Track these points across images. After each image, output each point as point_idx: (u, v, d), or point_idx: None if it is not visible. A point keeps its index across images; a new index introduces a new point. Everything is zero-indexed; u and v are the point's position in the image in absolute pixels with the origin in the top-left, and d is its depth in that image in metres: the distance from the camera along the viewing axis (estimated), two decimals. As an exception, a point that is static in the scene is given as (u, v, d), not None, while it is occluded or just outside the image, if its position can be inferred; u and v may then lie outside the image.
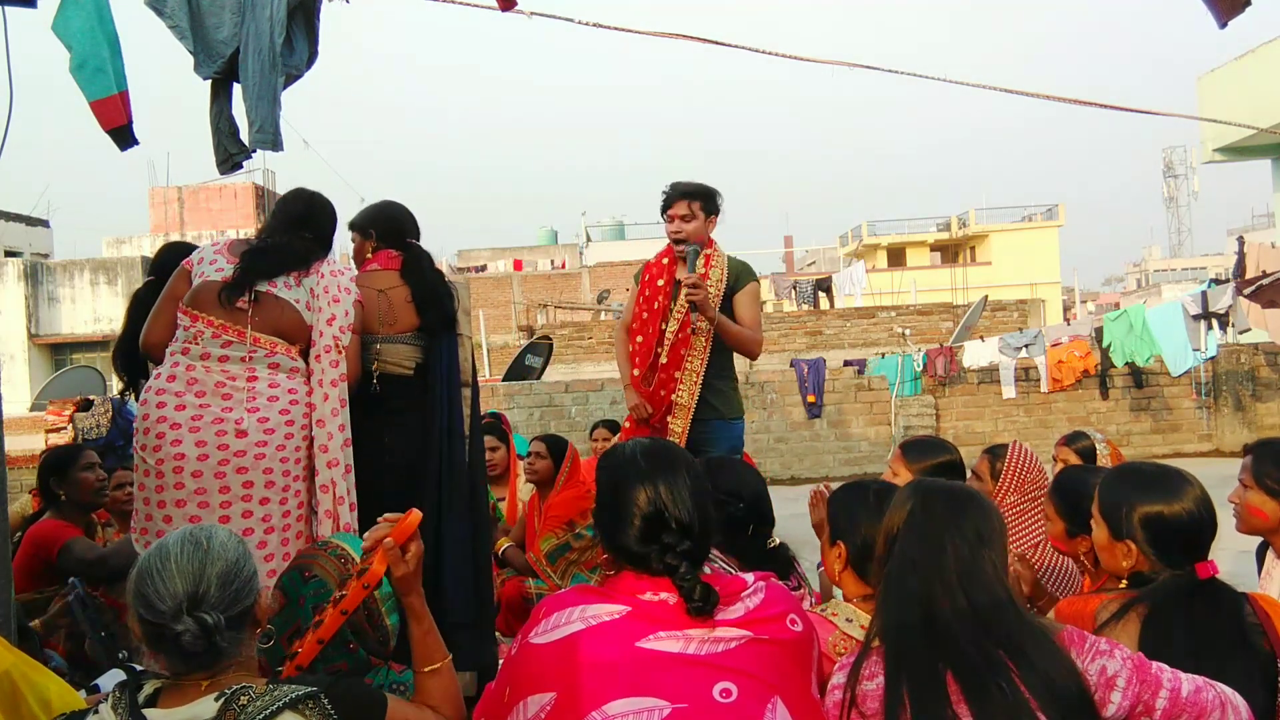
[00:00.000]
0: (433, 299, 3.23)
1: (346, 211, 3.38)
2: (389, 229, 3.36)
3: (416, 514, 1.84)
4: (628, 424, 4.04)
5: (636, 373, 3.90)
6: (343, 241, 3.39)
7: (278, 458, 2.75)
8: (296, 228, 2.99)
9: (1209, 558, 1.97)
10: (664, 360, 3.81)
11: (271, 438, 2.73)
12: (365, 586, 1.84)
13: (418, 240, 3.39)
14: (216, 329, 2.74)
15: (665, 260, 3.97)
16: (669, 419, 3.80)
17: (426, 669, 1.82)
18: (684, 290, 3.74)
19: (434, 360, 3.24)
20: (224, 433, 2.68)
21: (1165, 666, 1.61)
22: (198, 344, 2.75)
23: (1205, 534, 1.97)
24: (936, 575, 1.62)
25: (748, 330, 3.81)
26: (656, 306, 3.89)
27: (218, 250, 2.89)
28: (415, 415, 3.20)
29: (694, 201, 3.83)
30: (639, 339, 3.93)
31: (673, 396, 3.78)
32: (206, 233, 24.12)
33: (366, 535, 1.87)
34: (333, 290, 2.90)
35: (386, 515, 1.86)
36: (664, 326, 3.84)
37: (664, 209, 3.92)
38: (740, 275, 3.89)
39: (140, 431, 2.74)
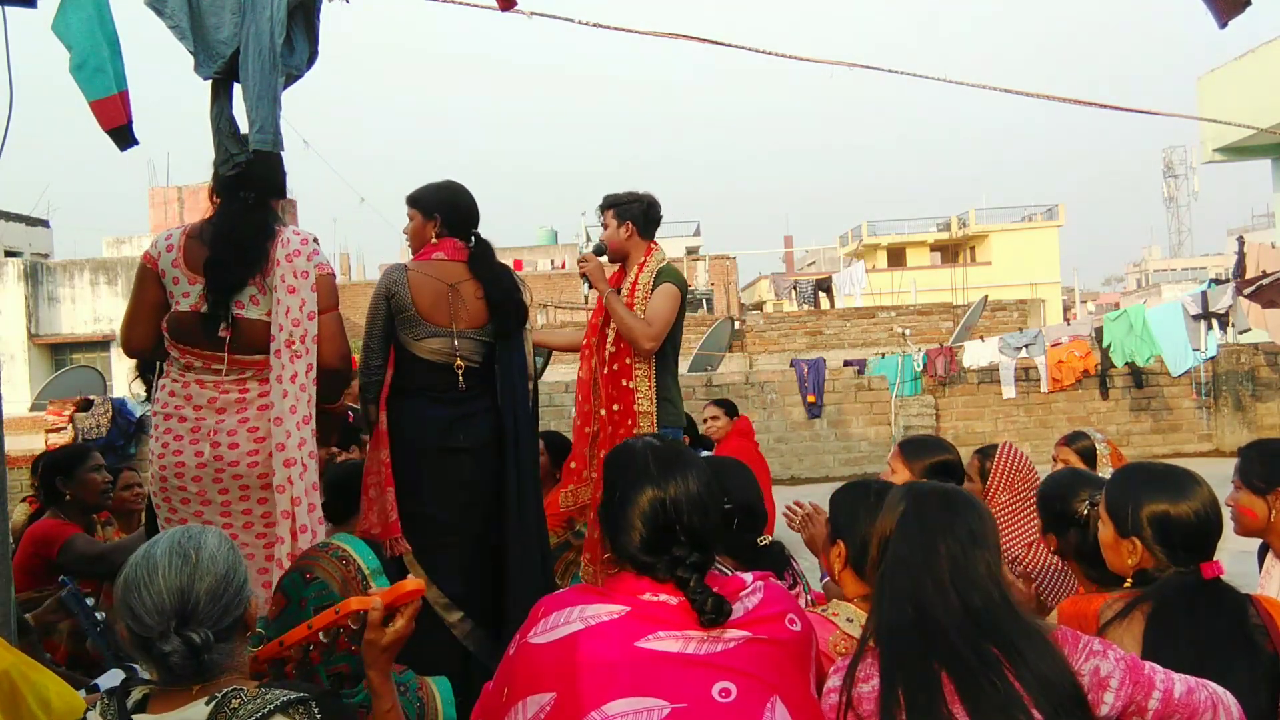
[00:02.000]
0: (508, 297, 3.31)
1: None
2: (458, 219, 3.38)
3: (419, 586, 1.76)
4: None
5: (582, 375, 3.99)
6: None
7: (278, 460, 2.79)
8: (236, 188, 2.91)
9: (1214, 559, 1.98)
10: (613, 369, 3.84)
11: (264, 445, 2.81)
12: (336, 612, 1.78)
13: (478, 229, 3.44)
14: (205, 358, 2.83)
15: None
16: (635, 431, 3.81)
17: None
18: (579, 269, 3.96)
19: (504, 356, 3.31)
20: (218, 444, 2.80)
21: (1158, 667, 1.61)
22: (192, 370, 2.86)
23: (1211, 534, 1.97)
24: (929, 575, 1.62)
25: (638, 319, 3.79)
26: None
27: (175, 261, 2.83)
28: (482, 407, 3.28)
29: (607, 210, 3.99)
30: (593, 339, 4.00)
31: (634, 406, 3.79)
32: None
33: (392, 589, 1.84)
34: (289, 279, 2.83)
35: (410, 579, 1.80)
36: (608, 332, 3.92)
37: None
38: (660, 274, 3.92)
39: (151, 440, 2.92)
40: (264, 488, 2.81)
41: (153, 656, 1.53)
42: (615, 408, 3.80)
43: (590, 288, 3.94)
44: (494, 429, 3.27)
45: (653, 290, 3.85)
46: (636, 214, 3.94)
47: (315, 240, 2.96)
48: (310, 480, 2.80)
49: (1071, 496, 2.35)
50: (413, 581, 1.78)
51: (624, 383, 3.80)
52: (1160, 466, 2.10)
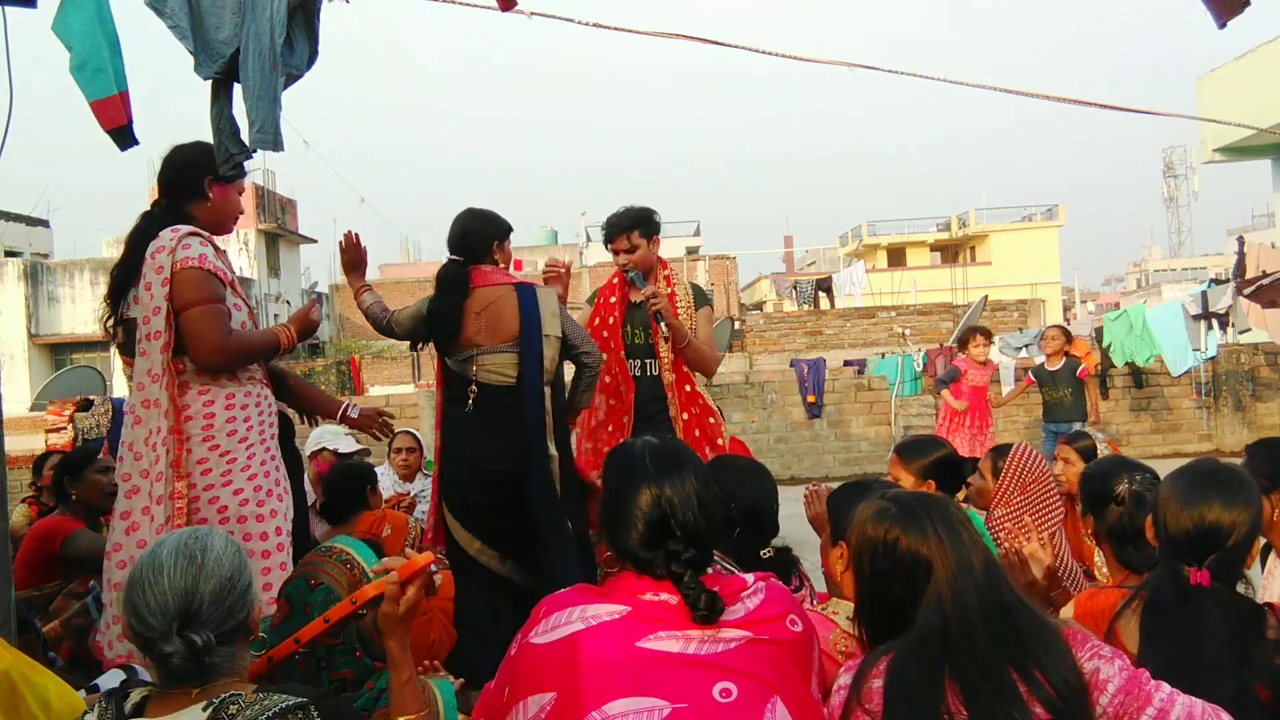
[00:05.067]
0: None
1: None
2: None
3: (428, 557, 1.82)
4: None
5: (607, 378, 4.00)
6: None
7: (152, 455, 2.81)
8: (154, 202, 3.04)
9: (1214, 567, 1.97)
10: (684, 391, 3.96)
11: (151, 437, 2.81)
12: (353, 602, 1.81)
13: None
14: (128, 363, 2.91)
15: (615, 281, 4.15)
16: (722, 444, 3.98)
17: (400, 719, 1.75)
18: (648, 306, 3.90)
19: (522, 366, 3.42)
20: (134, 443, 2.83)
21: (1164, 685, 1.60)
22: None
23: (1198, 546, 1.95)
24: (939, 575, 1.61)
25: (714, 350, 4.03)
26: (612, 321, 4.03)
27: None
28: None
29: (631, 232, 3.98)
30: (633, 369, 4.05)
31: (708, 419, 3.97)
32: (206, 233, 24.09)
33: (382, 563, 1.86)
34: (148, 275, 2.82)
35: (407, 550, 1.86)
36: (626, 340, 4.00)
37: (606, 244, 4.10)
38: (699, 297, 4.08)
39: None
40: (156, 478, 2.78)
41: (154, 656, 1.52)
42: (696, 433, 3.92)
43: (665, 325, 3.89)
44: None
45: (695, 310, 4.01)
46: (656, 226, 4.04)
47: (192, 234, 2.88)
48: (168, 472, 2.76)
49: (1112, 477, 2.46)
50: (423, 556, 1.82)
51: (701, 402, 3.97)
52: (1208, 469, 2.05)
